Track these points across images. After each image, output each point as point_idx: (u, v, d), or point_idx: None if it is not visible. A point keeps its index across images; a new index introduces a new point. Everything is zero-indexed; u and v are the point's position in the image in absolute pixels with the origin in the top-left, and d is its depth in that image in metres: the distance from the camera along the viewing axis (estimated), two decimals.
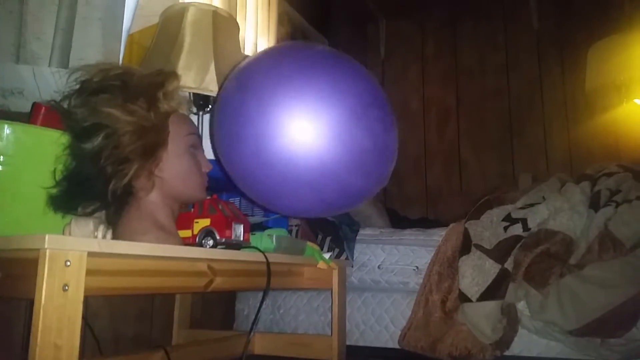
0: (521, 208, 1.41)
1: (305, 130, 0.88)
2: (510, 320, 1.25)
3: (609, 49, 2.21)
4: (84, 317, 0.68)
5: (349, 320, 1.46)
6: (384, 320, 1.45)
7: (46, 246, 0.60)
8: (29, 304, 0.61)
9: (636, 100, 2.28)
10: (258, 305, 1.09)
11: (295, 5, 2.57)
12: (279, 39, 2.25)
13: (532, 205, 1.40)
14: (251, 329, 1.01)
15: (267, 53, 1.00)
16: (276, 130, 0.89)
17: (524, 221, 1.34)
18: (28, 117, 0.92)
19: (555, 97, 2.57)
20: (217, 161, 1.11)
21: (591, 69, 2.27)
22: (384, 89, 1.03)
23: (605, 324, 1.14)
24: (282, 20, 2.39)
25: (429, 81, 2.89)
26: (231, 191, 1.29)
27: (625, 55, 2.15)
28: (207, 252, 0.92)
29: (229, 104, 0.95)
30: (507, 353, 1.24)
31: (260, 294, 1.57)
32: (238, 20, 1.66)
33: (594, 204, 1.32)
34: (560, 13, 2.61)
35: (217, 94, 1.02)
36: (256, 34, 2.00)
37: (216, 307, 1.67)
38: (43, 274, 0.60)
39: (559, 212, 1.32)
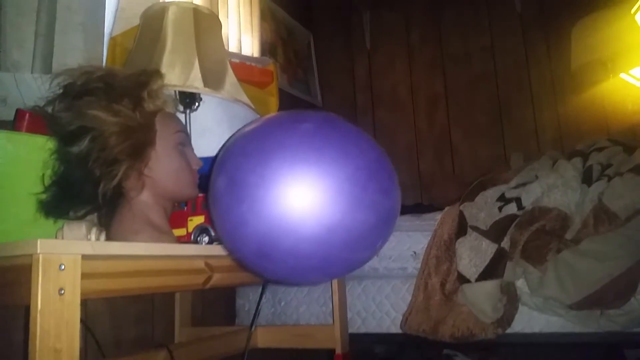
0: (514, 187, 1.41)
1: (305, 222, 0.81)
2: (510, 299, 1.26)
3: (592, 25, 2.22)
4: (83, 321, 0.68)
5: (350, 309, 1.46)
6: (384, 307, 1.46)
7: (39, 251, 0.59)
8: (27, 310, 0.60)
9: (622, 75, 2.30)
10: (258, 299, 1.09)
11: (278, 0, 2.56)
12: (262, 35, 2.25)
13: (525, 184, 1.41)
14: (252, 323, 1.01)
15: (252, 142, 0.88)
16: (274, 230, 0.81)
17: (518, 200, 1.34)
18: (12, 125, 0.91)
19: (543, 77, 2.58)
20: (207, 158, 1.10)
21: (576, 46, 2.27)
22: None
23: (604, 296, 1.15)
24: (265, 16, 2.38)
25: (416, 69, 2.88)
26: None
27: (609, 31, 2.16)
28: (203, 249, 0.91)
29: (223, 203, 0.87)
30: (508, 331, 1.25)
31: (260, 289, 1.57)
32: (220, 17, 1.65)
33: (587, 179, 1.32)
34: None
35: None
36: (239, 30, 2.00)
37: (217, 303, 1.67)
38: (37, 280, 0.59)
39: (553, 189, 1.32)
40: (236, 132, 0.91)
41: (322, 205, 0.82)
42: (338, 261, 0.87)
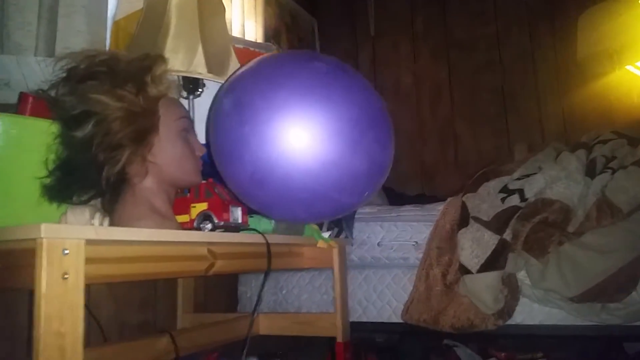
0: (518, 179, 1.41)
1: (302, 154, 0.87)
2: (511, 290, 1.26)
3: (599, 16, 2.19)
4: (87, 305, 0.68)
5: (351, 298, 1.47)
6: (385, 296, 1.46)
7: (42, 235, 0.59)
8: (31, 294, 0.60)
9: (628, 67, 2.28)
10: (260, 286, 1.09)
11: None
12: (266, 20, 2.23)
13: (528, 175, 1.40)
14: (254, 309, 1.01)
15: (266, 69, 0.96)
16: (272, 156, 0.88)
17: (520, 192, 1.34)
18: (15, 108, 0.91)
19: (548, 67, 2.55)
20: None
21: (582, 37, 2.25)
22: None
23: (605, 289, 1.15)
24: (269, 1, 2.36)
25: (420, 57, 2.86)
26: None
27: (616, 22, 2.13)
28: (206, 235, 0.91)
29: (225, 123, 0.94)
30: (509, 322, 1.25)
31: (262, 276, 1.58)
32: (224, 1, 1.63)
33: (590, 172, 1.32)
34: None
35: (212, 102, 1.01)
36: (243, 15, 1.98)
37: (219, 290, 1.68)
38: (41, 264, 0.59)
39: (556, 181, 1.32)
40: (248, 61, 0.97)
41: (321, 141, 0.87)
42: (325, 200, 0.93)
